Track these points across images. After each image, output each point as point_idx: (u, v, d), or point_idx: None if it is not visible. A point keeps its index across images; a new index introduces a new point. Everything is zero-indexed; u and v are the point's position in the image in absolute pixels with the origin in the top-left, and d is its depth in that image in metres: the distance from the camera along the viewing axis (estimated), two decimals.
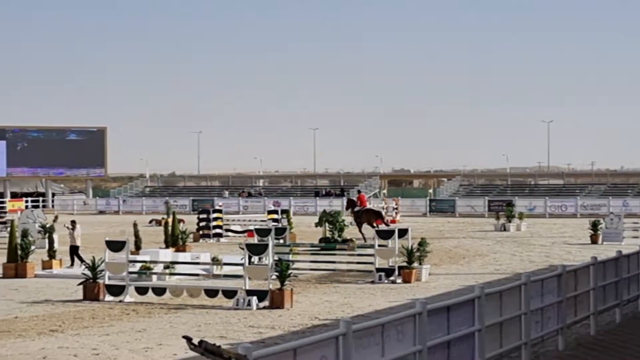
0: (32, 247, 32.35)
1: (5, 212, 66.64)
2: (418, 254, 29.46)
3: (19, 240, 31.88)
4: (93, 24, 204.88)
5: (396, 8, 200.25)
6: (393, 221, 63.61)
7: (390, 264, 29.76)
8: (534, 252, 40.40)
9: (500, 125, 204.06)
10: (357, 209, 47.50)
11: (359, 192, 56.36)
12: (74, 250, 33.44)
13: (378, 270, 29.42)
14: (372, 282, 28.92)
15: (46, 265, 32.80)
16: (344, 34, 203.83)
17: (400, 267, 29.28)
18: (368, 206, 49.09)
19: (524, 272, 18.32)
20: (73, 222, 34.41)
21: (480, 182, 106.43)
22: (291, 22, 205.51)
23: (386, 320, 11.61)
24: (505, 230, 54.70)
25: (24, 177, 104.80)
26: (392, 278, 29.11)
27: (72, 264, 32.95)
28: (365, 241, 41.23)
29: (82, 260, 32.93)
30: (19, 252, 31.38)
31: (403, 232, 30.34)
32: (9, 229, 34.43)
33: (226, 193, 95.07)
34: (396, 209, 68.62)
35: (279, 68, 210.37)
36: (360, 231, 45.13)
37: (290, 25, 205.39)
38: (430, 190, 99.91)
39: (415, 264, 29.34)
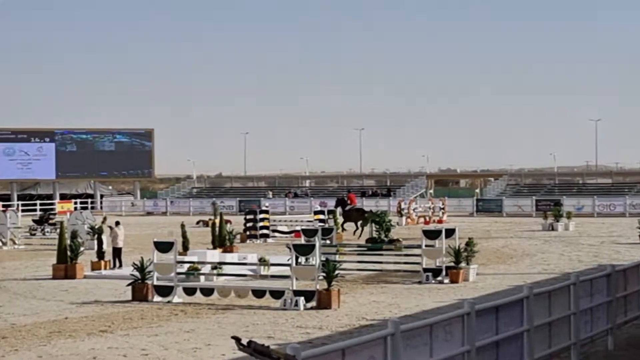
0: (81, 249, 32.60)
1: (55, 214, 67.20)
2: (465, 254, 29.36)
3: (68, 242, 32.12)
4: (138, 24, 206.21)
5: (439, 6, 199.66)
6: (440, 221, 63.50)
7: (438, 264, 29.67)
8: (583, 251, 40.09)
9: (548, 124, 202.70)
10: (347, 207, 49.39)
11: (348, 191, 58.40)
12: (116, 252, 33.64)
13: (425, 270, 29.35)
14: (420, 283, 28.85)
15: (95, 266, 33.06)
16: (388, 33, 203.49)
17: (447, 267, 29.18)
18: (358, 205, 50.68)
19: (573, 272, 18.23)
20: (117, 223, 34.62)
21: (528, 182, 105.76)
22: (334, 21, 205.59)
23: (434, 321, 11.59)
24: (553, 229, 54.32)
25: (73, 179, 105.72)
26: (439, 278, 29.03)
27: (120, 265, 33.17)
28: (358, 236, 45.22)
29: (120, 264, 33.20)
30: (69, 253, 31.64)
31: (450, 232, 30.23)
32: (58, 230, 34.72)
33: (270, 194, 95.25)
34: (443, 208, 68.38)
35: (323, 68, 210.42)
36: (343, 228, 48.38)
37: (333, 25, 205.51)
38: (477, 190, 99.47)
39: (463, 264, 29.24)
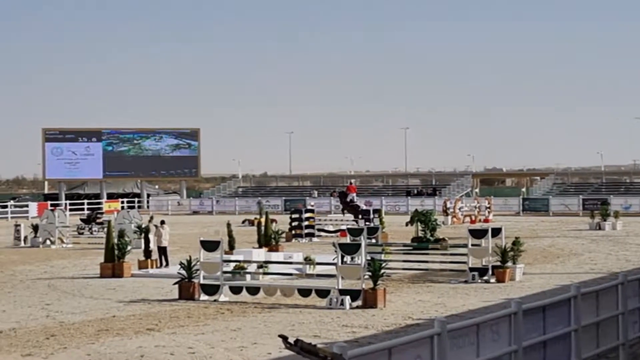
0: (129, 247, 32.81)
1: (102, 213, 67.65)
2: (512, 253, 29.22)
3: (115, 241, 32.35)
4: (181, 25, 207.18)
5: (483, 7, 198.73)
6: (486, 220, 63.23)
7: (484, 264, 29.56)
8: (630, 251, 39.77)
9: (595, 123, 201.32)
10: (348, 198, 50.97)
11: (350, 182, 60.52)
12: (161, 251, 33.81)
13: (471, 269, 29.26)
14: (466, 282, 28.76)
15: (142, 265, 33.27)
16: (432, 33, 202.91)
17: (494, 267, 29.06)
18: (356, 202, 54.05)
19: (621, 272, 18.06)
20: (162, 222, 34.84)
21: (574, 181, 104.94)
22: (377, 20, 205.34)
23: (481, 320, 11.55)
24: (600, 229, 53.89)
25: (120, 178, 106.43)
26: (485, 277, 28.92)
27: (166, 264, 33.36)
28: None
29: (166, 262, 33.37)
30: (116, 252, 31.87)
31: (496, 231, 30.10)
32: (106, 229, 34.98)
33: (315, 193, 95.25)
34: (489, 208, 68.05)
35: (369, 67, 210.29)
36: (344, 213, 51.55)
37: (377, 24, 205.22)
38: (523, 189, 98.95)
39: (509, 264, 29.11)
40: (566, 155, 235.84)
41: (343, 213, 53.82)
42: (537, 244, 43.85)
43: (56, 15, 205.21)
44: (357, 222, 49.90)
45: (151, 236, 34.79)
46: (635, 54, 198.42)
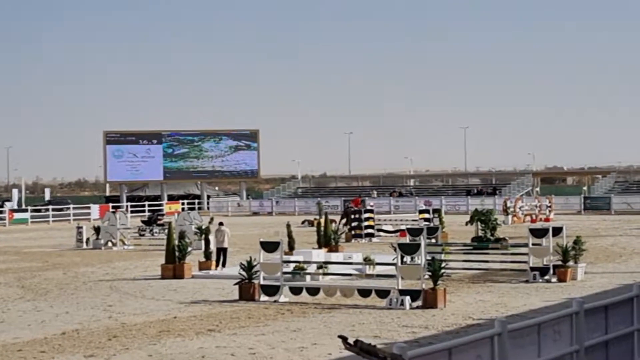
0: (189, 249, 33.01)
1: (163, 215, 68.25)
2: (573, 252, 28.97)
3: (176, 242, 32.55)
4: (240, 25, 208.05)
5: (548, 5, 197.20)
6: (547, 219, 62.77)
7: (545, 263, 29.32)
8: None
9: None
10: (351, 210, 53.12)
11: (359, 195, 62.38)
12: (220, 252, 33.93)
13: (532, 269, 29.03)
14: (527, 282, 28.55)
15: (203, 266, 33.45)
16: (493, 32, 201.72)
17: (555, 266, 28.82)
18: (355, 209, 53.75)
19: None
20: (220, 224, 34.97)
21: (637, 179, 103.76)
22: (439, 19, 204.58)
23: (542, 320, 11.46)
24: None
25: (180, 180, 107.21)
26: (546, 277, 28.69)
27: (223, 265, 33.45)
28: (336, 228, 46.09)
29: (223, 264, 33.49)
30: (177, 253, 32.07)
31: (558, 231, 29.85)
32: (166, 231, 35.23)
33: (375, 193, 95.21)
34: (550, 207, 67.55)
35: (427, 66, 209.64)
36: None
37: (439, 23, 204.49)
38: (585, 188, 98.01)
39: (571, 263, 28.86)
40: (628, 153, 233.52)
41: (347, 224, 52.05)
42: (598, 243, 43.43)
43: (121, 16, 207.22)
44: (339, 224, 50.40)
45: (211, 237, 34.95)
46: None
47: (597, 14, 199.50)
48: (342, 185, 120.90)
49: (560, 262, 28.81)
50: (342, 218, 52.51)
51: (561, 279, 28.36)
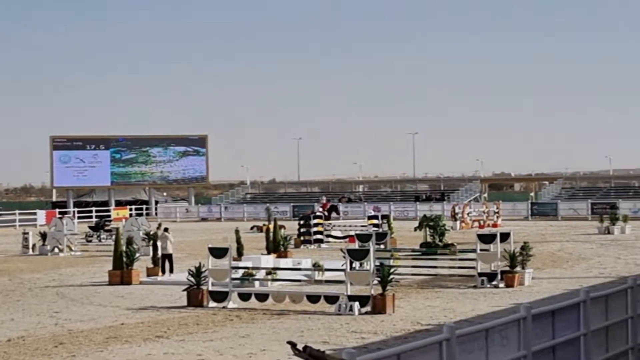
0: (137, 255, 32.82)
1: (111, 221, 67.77)
2: (521, 258, 29.17)
3: (124, 248, 32.36)
4: (188, 31, 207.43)
5: (485, 9, 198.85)
6: (495, 225, 63.17)
7: (493, 269, 29.51)
8: (639, 255, 39.67)
9: (603, 126, 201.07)
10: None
11: (328, 200, 66.49)
12: (165, 258, 33.78)
13: (480, 274, 29.20)
14: (475, 287, 28.70)
15: (151, 272, 33.26)
16: (439, 38, 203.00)
17: (502, 272, 29.01)
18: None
19: (630, 276, 18.01)
20: (165, 230, 34.83)
21: (583, 185, 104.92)
22: (384, 25, 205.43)
23: (490, 325, 11.51)
24: (609, 233, 53.79)
25: (128, 186, 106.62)
26: (494, 282, 28.87)
27: (170, 271, 33.31)
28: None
29: (171, 270, 33.37)
30: (124, 259, 31.87)
31: (505, 236, 30.05)
32: (114, 236, 35.00)
33: (324, 199, 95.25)
34: (497, 212, 68.00)
35: (376, 73, 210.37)
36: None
37: (382, 29, 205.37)
38: (532, 194, 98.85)
39: (518, 268, 29.05)
40: (575, 159, 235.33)
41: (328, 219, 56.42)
42: (545, 248, 43.78)
43: (66, 17, 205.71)
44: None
45: (159, 243, 34.79)
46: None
47: (537, 19, 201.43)
48: (291, 191, 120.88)
49: (507, 268, 29.00)
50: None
51: (509, 285, 28.54)
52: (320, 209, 59.59)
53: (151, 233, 37.79)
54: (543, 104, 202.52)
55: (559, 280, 30.37)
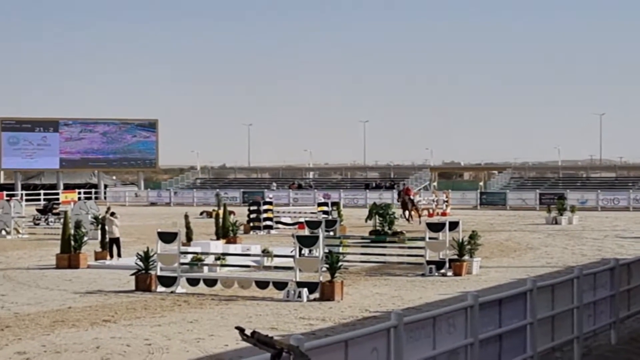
0: (85, 238, 32.60)
1: (59, 204, 67.18)
2: (469, 246, 29.35)
3: (72, 232, 32.13)
4: (141, 11, 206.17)
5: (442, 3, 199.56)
6: (444, 214, 63.48)
7: (441, 257, 29.66)
8: (586, 245, 40.08)
9: (552, 118, 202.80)
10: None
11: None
12: (114, 242, 33.61)
13: (429, 262, 29.34)
14: (423, 275, 28.84)
15: (99, 256, 33.06)
16: (394, 26, 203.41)
17: (451, 260, 29.18)
18: None
19: (576, 266, 18.21)
20: (112, 214, 34.63)
21: (532, 175, 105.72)
22: (339, 11, 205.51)
23: (438, 313, 11.58)
24: (556, 223, 54.25)
25: (77, 169, 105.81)
26: (442, 271, 29.03)
27: (118, 256, 33.12)
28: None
29: (119, 254, 33.20)
30: (72, 243, 31.65)
31: (454, 225, 30.22)
32: (62, 220, 34.71)
33: (274, 185, 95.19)
34: (446, 201, 68.33)
35: (329, 60, 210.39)
36: None
37: (338, 15, 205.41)
38: (481, 183, 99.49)
39: (466, 257, 29.24)
40: (524, 150, 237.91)
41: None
42: (494, 237, 44.09)
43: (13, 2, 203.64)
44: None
45: (106, 227, 34.60)
46: (592, 50, 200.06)
47: (494, 9, 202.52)
48: (242, 176, 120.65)
49: (456, 256, 29.17)
50: (404, 208, 56.32)
51: (457, 273, 28.72)
52: (404, 196, 57.85)
53: (100, 217, 37.53)
54: (494, 94, 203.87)
55: (507, 270, 30.59)
